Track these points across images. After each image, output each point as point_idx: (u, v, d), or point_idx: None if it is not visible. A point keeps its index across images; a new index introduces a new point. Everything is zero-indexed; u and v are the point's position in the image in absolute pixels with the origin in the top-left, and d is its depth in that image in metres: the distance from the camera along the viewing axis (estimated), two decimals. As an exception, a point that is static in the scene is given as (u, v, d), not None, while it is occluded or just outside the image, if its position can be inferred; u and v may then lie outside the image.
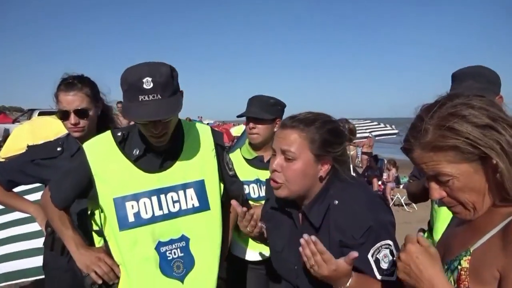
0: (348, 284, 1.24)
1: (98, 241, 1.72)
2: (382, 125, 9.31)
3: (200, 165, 1.66)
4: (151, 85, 1.41)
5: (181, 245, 1.59)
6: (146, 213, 1.55)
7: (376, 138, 10.42)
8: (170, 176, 1.60)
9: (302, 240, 1.22)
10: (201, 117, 28.26)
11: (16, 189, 2.13)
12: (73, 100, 1.95)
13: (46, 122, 4.34)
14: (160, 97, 1.43)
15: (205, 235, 1.64)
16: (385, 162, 10.42)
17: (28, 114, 18.10)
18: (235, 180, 1.86)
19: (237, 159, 2.34)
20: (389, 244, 1.30)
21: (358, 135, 8.64)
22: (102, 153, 1.58)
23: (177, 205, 1.60)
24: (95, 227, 1.69)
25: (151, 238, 1.55)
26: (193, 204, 1.62)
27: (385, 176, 9.80)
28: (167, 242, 1.57)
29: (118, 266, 1.58)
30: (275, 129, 2.20)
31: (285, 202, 1.46)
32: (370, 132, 8.54)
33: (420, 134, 0.98)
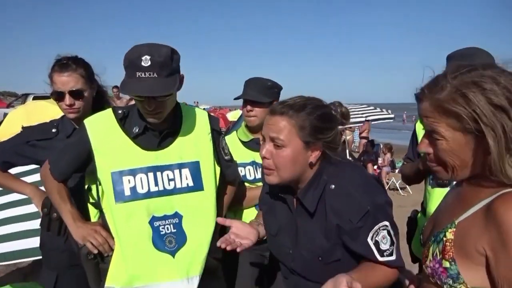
0: None
1: (93, 215, 1.77)
2: (378, 109, 9.31)
3: (196, 147, 1.73)
4: (149, 63, 1.47)
5: (174, 222, 1.66)
6: (142, 188, 1.61)
7: (372, 122, 10.44)
8: (167, 155, 1.67)
9: None
10: (197, 102, 28.15)
11: (13, 171, 2.13)
12: (68, 81, 1.95)
13: (41, 106, 4.32)
14: (156, 76, 1.49)
15: (197, 214, 1.70)
16: (381, 146, 10.48)
17: (22, 98, 17.97)
18: (231, 164, 1.92)
19: (233, 141, 2.34)
20: (386, 225, 1.32)
21: (354, 120, 8.65)
22: (103, 129, 1.64)
23: (172, 183, 1.66)
24: (92, 201, 1.74)
25: (146, 212, 1.61)
26: (187, 184, 1.69)
27: (380, 160, 9.87)
28: (161, 217, 1.64)
29: (113, 239, 1.63)
30: None
31: (279, 187, 1.46)
32: (366, 116, 8.54)
33: (436, 89, 0.99)
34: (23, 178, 2.23)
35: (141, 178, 1.61)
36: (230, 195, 2.01)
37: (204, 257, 1.71)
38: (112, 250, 1.64)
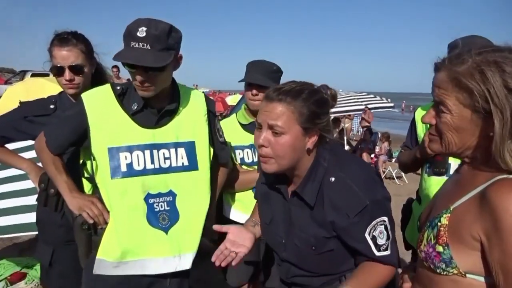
0: None
1: (88, 190, 1.77)
2: (378, 98, 9.26)
3: (192, 128, 1.75)
4: (144, 34, 1.49)
5: (168, 199, 1.68)
6: (138, 165, 1.63)
7: (371, 111, 10.43)
8: (164, 134, 1.68)
9: None
10: (197, 85, 28.03)
11: (11, 147, 2.12)
12: (68, 55, 1.93)
13: (39, 83, 4.30)
14: (149, 47, 1.50)
15: (191, 193, 1.72)
16: (379, 135, 10.49)
17: (20, 75, 17.87)
18: (224, 147, 1.94)
19: (233, 124, 2.34)
20: (384, 220, 1.32)
21: (353, 108, 8.62)
22: (100, 104, 1.64)
23: (167, 161, 1.68)
24: (86, 175, 1.74)
25: (141, 189, 1.63)
26: (182, 163, 1.71)
27: (377, 149, 9.89)
28: (156, 194, 1.66)
29: (108, 212, 1.64)
30: None
31: (274, 176, 1.45)
32: (366, 104, 8.49)
33: (457, 61, 0.99)
34: (20, 154, 2.22)
35: (137, 155, 1.62)
36: (223, 177, 2.03)
37: (197, 235, 1.73)
38: (107, 223, 1.65)
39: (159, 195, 1.67)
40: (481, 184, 0.99)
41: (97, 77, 2.10)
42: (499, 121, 0.92)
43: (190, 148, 1.73)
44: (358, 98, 9.04)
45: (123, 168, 1.61)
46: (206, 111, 1.81)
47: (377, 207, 1.32)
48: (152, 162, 1.65)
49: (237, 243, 1.48)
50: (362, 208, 1.28)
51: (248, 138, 2.28)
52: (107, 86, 1.69)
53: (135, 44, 1.50)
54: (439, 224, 1.04)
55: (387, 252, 1.33)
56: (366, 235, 1.31)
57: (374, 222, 1.31)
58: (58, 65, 1.93)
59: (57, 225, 2.01)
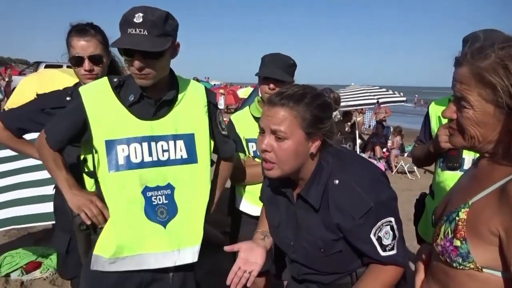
0: None
1: (90, 187, 1.74)
2: (390, 91, 9.17)
3: (192, 119, 1.71)
4: (141, 20, 1.47)
5: (166, 193, 1.65)
6: (136, 158, 1.60)
7: (383, 105, 10.35)
8: (162, 126, 1.65)
9: None
10: (208, 78, 28.08)
11: (28, 137, 2.15)
12: (88, 46, 1.95)
13: (53, 74, 4.33)
14: (146, 33, 1.48)
15: (190, 187, 1.69)
16: (391, 129, 10.43)
17: (34, 66, 18.06)
18: (227, 140, 1.89)
19: (246, 116, 2.35)
20: (390, 221, 1.32)
21: (365, 102, 8.56)
22: (97, 97, 1.62)
23: (166, 154, 1.65)
24: (87, 171, 1.71)
25: (139, 182, 1.61)
26: (181, 156, 1.68)
27: (389, 143, 9.84)
28: (154, 188, 1.63)
29: (108, 210, 1.62)
30: None
31: (279, 180, 1.45)
32: (378, 98, 8.43)
33: (479, 56, 0.97)
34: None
35: (135, 148, 1.60)
36: (228, 171, 1.99)
37: (197, 229, 1.71)
38: (106, 221, 1.63)
39: (157, 188, 1.64)
40: (501, 179, 0.98)
41: (112, 69, 2.12)
42: None
43: (189, 140, 1.69)
44: (370, 92, 8.97)
45: (121, 161, 1.58)
46: (206, 103, 1.76)
47: (382, 208, 1.31)
48: (150, 154, 1.62)
49: (249, 261, 1.47)
50: (367, 210, 1.28)
51: (261, 131, 2.28)
52: (104, 79, 1.67)
53: (132, 30, 1.48)
54: (457, 218, 1.03)
55: (393, 252, 1.32)
56: (372, 236, 1.30)
57: (379, 223, 1.30)
58: (77, 55, 1.94)
59: (74, 214, 2.03)
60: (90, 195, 1.65)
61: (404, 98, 8.94)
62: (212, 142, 1.79)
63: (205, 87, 1.81)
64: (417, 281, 1.25)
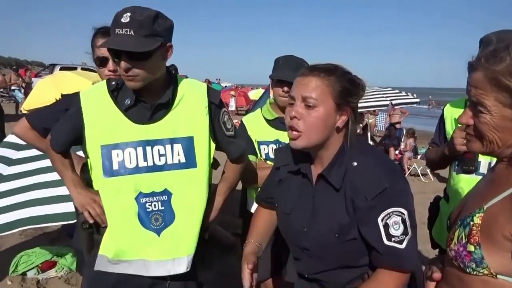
0: None
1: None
2: (403, 93, 9.07)
3: (191, 122, 1.65)
4: (128, 20, 1.44)
5: (162, 199, 1.61)
6: (130, 163, 1.57)
7: (396, 106, 10.26)
8: (159, 129, 1.61)
9: None
10: (219, 79, 28.16)
11: None
12: None
13: (68, 76, 4.40)
14: (133, 33, 1.44)
15: (188, 193, 1.63)
16: (404, 131, 10.34)
17: (49, 69, 18.34)
18: (233, 141, 1.80)
19: (258, 119, 2.34)
20: (402, 212, 1.28)
21: (378, 103, 8.50)
22: (95, 101, 1.61)
23: (163, 158, 1.60)
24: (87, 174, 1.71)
25: (133, 188, 1.57)
26: (179, 160, 1.62)
27: (402, 145, 9.75)
28: (149, 194, 1.59)
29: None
30: None
31: (298, 160, 1.46)
32: (390, 100, 8.36)
33: (494, 60, 0.96)
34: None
35: (129, 153, 1.57)
36: (235, 175, 1.89)
37: (193, 238, 1.65)
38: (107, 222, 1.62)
39: (153, 194, 1.59)
40: None
41: None
42: None
43: (187, 144, 1.63)
44: (382, 94, 8.90)
45: (115, 166, 1.56)
46: (207, 103, 1.67)
47: (396, 196, 1.29)
48: (145, 159, 1.58)
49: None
50: (381, 190, 1.26)
51: (273, 134, 2.28)
52: (103, 83, 1.66)
53: (119, 31, 1.45)
54: (471, 223, 1.02)
55: (399, 246, 1.27)
56: (379, 220, 1.27)
57: (390, 210, 1.27)
58: (102, 56, 1.97)
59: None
60: (94, 194, 1.65)
61: (417, 100, 8.85)
62: (213, 145, 1.72)
63: (208, 86, 1.76)
64: None
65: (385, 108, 10.36)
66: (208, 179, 1.69)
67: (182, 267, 1.62)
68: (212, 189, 1.76)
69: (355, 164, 1.33)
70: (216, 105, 1.72)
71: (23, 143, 3.04)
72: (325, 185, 1.39)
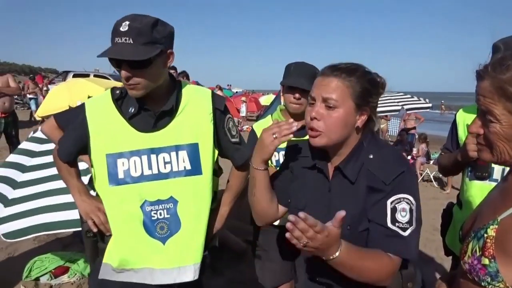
0: (337, 254, 1.15)
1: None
2: (415, 98, 8.99)
3: (195, 129, 1.64)
4: (126, 28, 1.43)
5: (168, 207, 1.60)
6: (136, 172, 1.57)
7: (408, 111, 10.18)
8: (163, 137, 1.60)
9: (288, 224, 1.10)
10: (230, 85, 28.28)
11: None
12: None
13: (81, 83, 4.47)
14: (132, 42, 1.43)
15: (194, 200, 1.63)
16: (416, 136, 10.23)
17: (63, 75, 18.63)
18: (239, 147, 1.80)
19: (268, 125, 2.34)
20: (411, 202, 1.28)
21: (390, 108, 8.44)
22: (99, 110, 1.62)
23: (168, 166, 1.60)
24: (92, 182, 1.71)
25: (138, 197, 1.57)
26: (184, 167, 1.61)
27: (414, 151, 9.65)
28: (154, 202, 1.59)
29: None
30: None
31: (314, 155, 1.46)
32: (402, 105, 8.29)
33: (501, 68, 0.94)
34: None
35: (134, 161, 1.57)
36: (240, 183, 1.88)
37: (198, 246, 1.64)
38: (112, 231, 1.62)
39: (158, 202, 1.59)
40: None
41: None
42: None
43: (192, 150, 1.62)
44: (394, 99, 8.83)
45: (121, 175, 1.56)
46: (211, 110, 1.67)
47: (411, 183, 1.30)
48: (150, 167, 1.58)
49: None
50: (398, 174, 1.28)
51: (284, 140, 2.27)
52: (107, 91, 1.65)
53: (118, 40, 1.43)
54: (485, 235, 0.99)
55: (402, 232, 1.26)
56: (388, 202, 1.28)
57: (401, 195, 1.28)
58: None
59: None
60: (99, 202, 1.64)
61: (429, 105, 8.77)
62: (216, 152, 1.71)
63: (213, 92, 1.75)
64: None
65: (397, 113, 10.29)
66: (213, 186, 1.69)
67: (188, 275, 1.61)
68: (218, 197, 1.76)
69: (371, 156, 1.35)
70: (221, 111, 1.71)
71: (37, 150, 3.10)
72: (341, 179, 1.39)
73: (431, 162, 8.87)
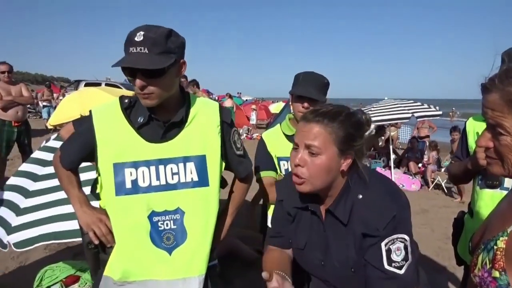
0: None
1: (103, 205, 1.72)
2: (425, 105, 8.91)
3: (203, 141, 1.65)
4: (141, 38, 1.43)
5: (175, 218, 1.60)
6: (144, 182, 1.58)
7: (418, 119, 10.11)
8: (172, 148, 1.61)
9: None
10: (240, 93, 28.39)
11: None
12: None
13: (92, 92, 4.53)
14: (147, 51, 1.44)
15: (201, 211, 1.63)
16: (427, 144, 10.13)
17: (74, 84, 18.86)
18: (243, 160, 1.82)
19: (277, 134, 2.35)
20: (405, 239, 1.28)
21: (400, 116, 8.37)
22: (107, 119, 1.61)
23: (176, 177, 1.61)
24: (98, 191, 1.70)
25: (145, 207, 1.57)
26: (192, 178, 1.62)
27: (425, 158, 9.56)
28: (161, 213, 1.59)
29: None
30: None
31: (306, 198, 1.45)
32: (412, 112, 8.22)
33: (508, 80, 0.93)
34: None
35: (143, 172, 1.57)
36: (242, 195, 1.91)
37: (204, 257, 1.63)
38: (116, 241, 1.60)
39: (165, 213, 1.59)
40: None
41: None
42: None
43: (200, 162, 1.63)
44: (404, 106, 8.76)
45: (128, 185, 1.56)
46: (219, 122, 1.68)
47: (403, 223, 1.30)
48: (158, 178, 1.58)
49: None
50: (391, 218, 1.27)
51: (292, 149, 2.28)
52: (116, 100, 1.66)
53: (133, 49, 1.44)
54: (495, 247, 0.98)
55: (399, 271, 1.27)
56: (383, 244, 1.28)
57: (395, 236, 1.28)
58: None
59: None
60: (100, 213, 1.64)
61: (440, 112, 8.67)
62: (223, 164, 1.73)
63: (220, 105, 1.77)
64: None
65: (407, 121, 10.22)
66: (218, 198, 1.69)
67: (193, 287, 1.60)
68: (222, 207, 1.76)
69: (360, 196, 1.34)
70: (227, 124, 1.73)
71: (49, 159, 3.14)
72: (334, 220, 1.39)
73: (442, 169, 8.78)
